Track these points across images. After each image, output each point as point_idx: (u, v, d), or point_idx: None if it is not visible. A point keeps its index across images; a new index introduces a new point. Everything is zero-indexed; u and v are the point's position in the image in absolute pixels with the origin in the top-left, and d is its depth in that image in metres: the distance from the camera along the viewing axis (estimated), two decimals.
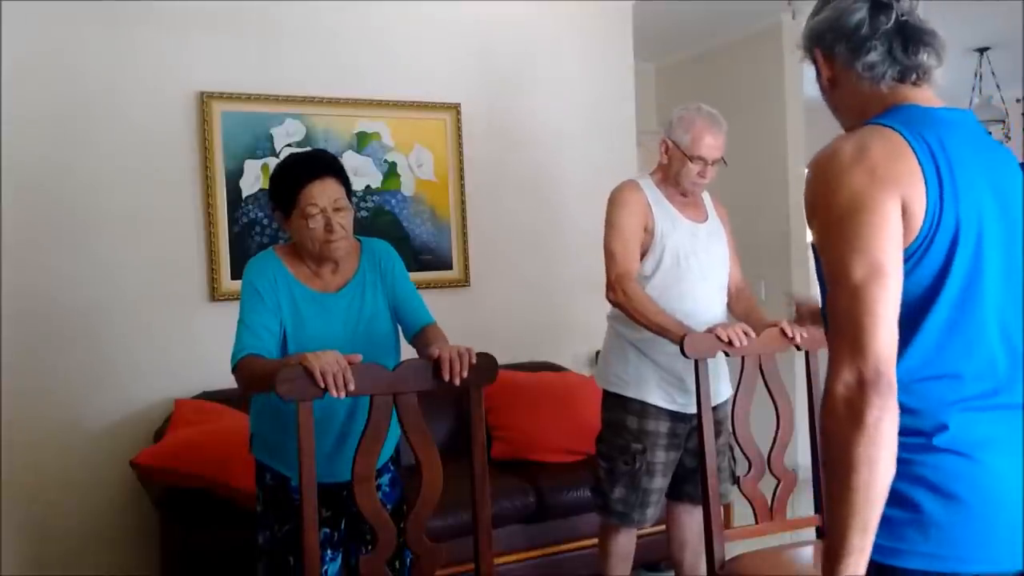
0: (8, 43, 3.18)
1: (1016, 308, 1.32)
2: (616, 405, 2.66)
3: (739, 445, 2.36)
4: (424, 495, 1.93)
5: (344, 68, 3.77)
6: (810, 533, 2.57)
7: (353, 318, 2.19)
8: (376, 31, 3.84)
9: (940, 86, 1.39)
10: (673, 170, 2.65)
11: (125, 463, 3.10)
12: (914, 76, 1.36)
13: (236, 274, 3.49)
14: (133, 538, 3.34)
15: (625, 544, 2.72)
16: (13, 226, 3.20)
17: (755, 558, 2.30)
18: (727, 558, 2.27)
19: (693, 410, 2.48)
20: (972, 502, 1.25)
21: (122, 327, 3.36)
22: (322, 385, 1.82)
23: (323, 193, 2.10)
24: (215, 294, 3.50)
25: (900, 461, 1.21)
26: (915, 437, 1.24)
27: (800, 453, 4.13)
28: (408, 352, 2.18)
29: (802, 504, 3.78)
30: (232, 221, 3.54)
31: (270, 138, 3.61)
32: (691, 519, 2.75)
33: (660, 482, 2.63)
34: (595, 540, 2.89)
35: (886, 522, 1.22)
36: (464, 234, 4.00)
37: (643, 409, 2.61)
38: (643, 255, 2.62)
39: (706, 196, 2.79)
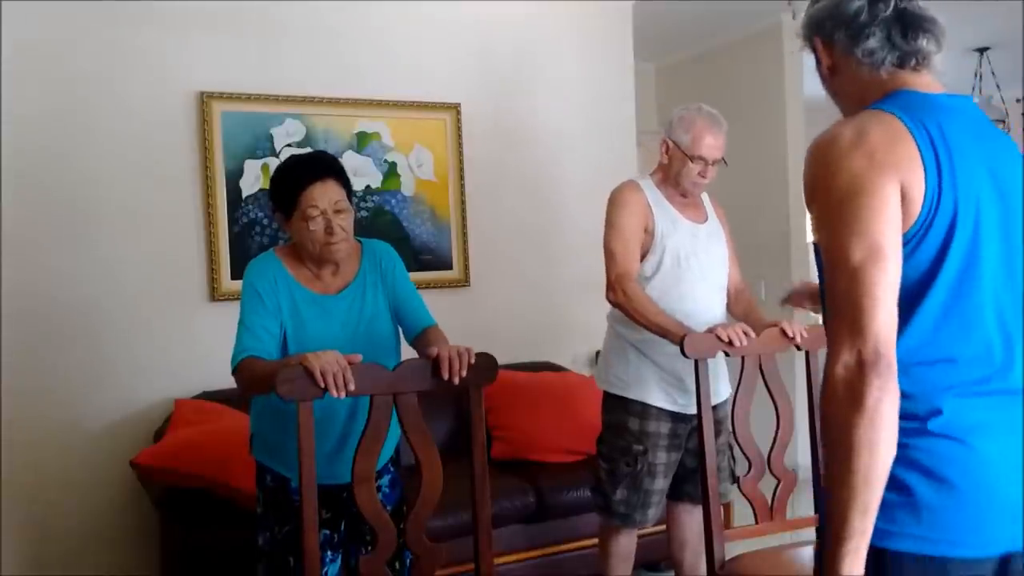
0: (8, 43, 3.19)
1: (1013, 294, 1.32)
2: (617, 406, 2.66)
3: (739, 445, 2.36)
4: (424, 495, 1.93)
5: (344, 68, 3.77)
6: (810, 533, 2.55)
7: (353, 320, 2.19)
8: (376, 31, 3.85)
9: (940, 72, 1.39)
10: (673, 170, 2.65)
11: (125, 463, 3.10)
12: (913, 62, 1.36)
13: (236, 274, 3.49)
14: (133, 538, 3.34)
15: (626, 545, 2.72)
16: (13, 225, 3.20)
17: (755, 558, 2.30)
18: (727, 558, 2.27)
19: (693, 410, 2.48)
20: (964, 487, 1.25)
21: (122, 327, 3.36)
22: (322, 385, 1.82)
23: (324, 195, 2.10)
24: (215, 294, 3.50)
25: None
26: (910, 421, 1.24)
27: (800, 453, 4.13)
28: (408, 354, 2.18)
29: (802, 504, 3.78)
30: (232, 221, 3.54)
31: (270, 138, 3.61)
32: (691, 519, 2.75)
33: (662, 483, 2.63)
34: (595, 540, 2.89)
35: (879, 504, 1.22)
36: (464, 234, 4.00)
37: (644, 410, 2.61)
38: (643, 256, 2.62)
39: (705, 197, 2.79)
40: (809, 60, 1.47)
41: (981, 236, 1.28)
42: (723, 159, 2.66)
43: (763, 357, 2.39)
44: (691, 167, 2.61)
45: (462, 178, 4.00)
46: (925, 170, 1.25)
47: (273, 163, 3.59)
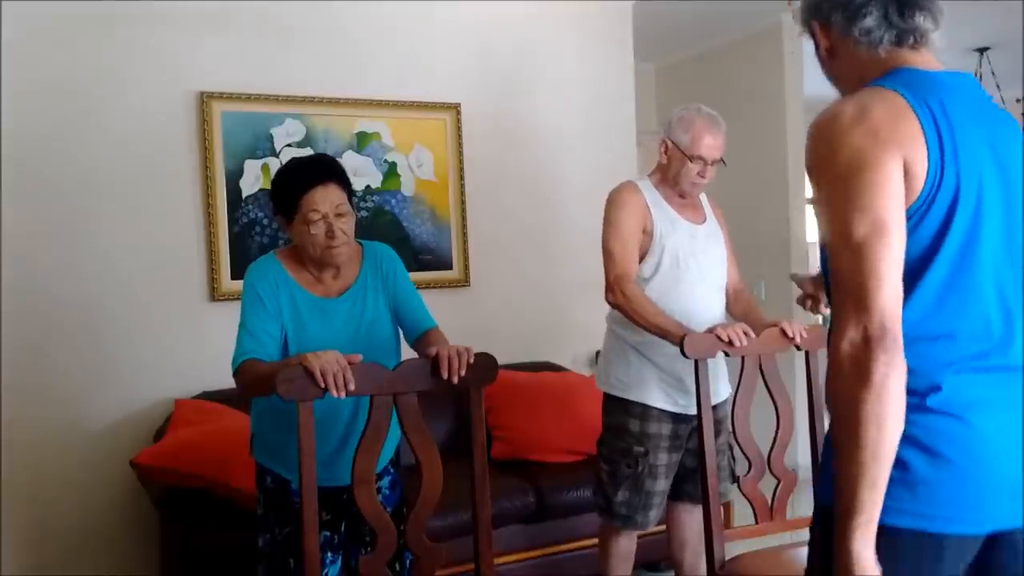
0: (8, 43, 3.18)
1: (1013, 270, 1.33)
2: (617, 408, 2.66)
3: (739, 445, 2.36)
4: (424, 495, 1.93)
5: (344, 68, 3.77)
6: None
7: (354, 323, 2.19)
8: (376, 31, 3.84)
9: (938, 49, 1.39)
10: (672, 170, 2.65)
11: (125, 463, 3.10)
12: (911, 39, 1.37)
13: (236, 274, 3.49)
14: (133, 538, 3.34)
15: (626, 545, 2.72)
16: (13, 225, 3.20)
17: (755, 558, 2.30)
18: (727, 558, 2.27)
19: (693, 411, 2.48)
20: (961, 464, 1.26)
21: (122, 327, 3.37)
22: (322, 385, 1.82)
23: (325, 199, 2.10)
24: (215, 294, 3.50)
25: None
26: (910, 397, 1.24)
27: (800, 453, 4.13)
28: (409, 356, 2.18)
29: (802, 504, 3.78)
30: (232, 221, 3.54)
31: (270, 138, 3.61)
32: (691, 519, 2.75)
33: (663, 484, 2.63)
34: (595, 540, 2.89)
35: None
36: (464, 234, 4.01)
37: (645, 412, 2.61)
38: (642, 257, 2.62)
39: (703, 197, 2.79)
40: (810, 58, 1.48)
41: (983, 212, 1.28)
42: (722, 159, 2.66)
43: (763, 357, 2.39)
44: (690, 167, 2.61)
45: (462, 178, 4.00)
46: (928, 146, 1.25)
47: (273, 163, 3.59)
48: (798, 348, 2.44)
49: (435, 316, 2.31)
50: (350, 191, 2.19)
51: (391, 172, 3.86)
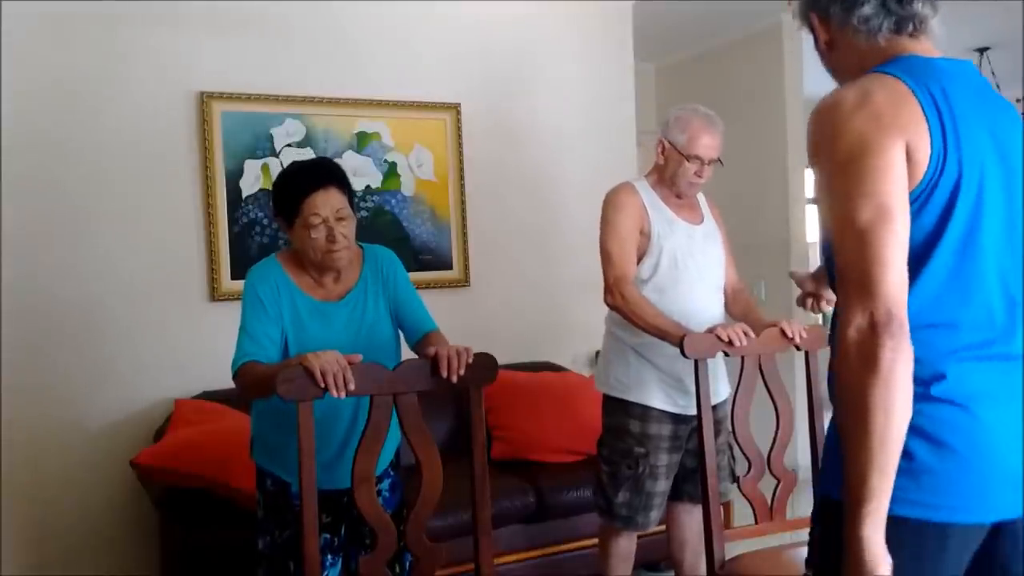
0: (8, 43, 3.19)
1: (1015, 258, 1.32)
2: (618, 409, 2.66)
3: (739, 445, 2.36)
4: (424, 495, 1.93)
5: (344, 68, 3.77)
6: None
7: (355, 326, 2.19)
8: (376, 31, 3.85)
9: (938, 36, 1.38)
10: (669, 171, 2.65)
11: (125, 463, 3.10)
12: (911, 27, 1.36)
13: (236, 274, 3.49)
14: (133, 538, 3.34)
15: (626, 546, 2.72)
16: (13, 225, 3.20)
17: (755, 558, 2.30)
18: (727, 558, 2.27)
19: (693, 411, 2.48)
20: (965, 453, 1.25)
21: (122, 327, 3.37)
22: (322, 385, 1.82)
23: (326, 203, 2.10)
24: (215, 294, 3.50)
25: None
26: (914, 386, 1.23)
27: (800, 453, 4.13)
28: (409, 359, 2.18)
29: (802, 504, 3.78)
30: (232, 221, 3.54)
31: (270, 138, 3.61)
32: (691, 519, 2.75)
33: (663, 485, 2.63)
34: (595, 540, 2.89)
35: None
36: (464, 234, 4.01)
37: (645, 413, 2.61)
38: (640, 258, 2.62)
39: (701, 197, 2.79)
40: (810, 58, 1.47)
41: (984, 198, 1.28)
42: (719, 159, 2.66)
43: (763, 357, 2.39)
44: (687, 167, 2.61)
45: (462, 178, 4.00)
46: (930, 131, 1.24)
47: (273, 163, 3.60)
48: (798, 348, 2.44)
49: (435, 316, 2.31)
50: (351, 195, 2.19)
51: (391, 172, 3.86)
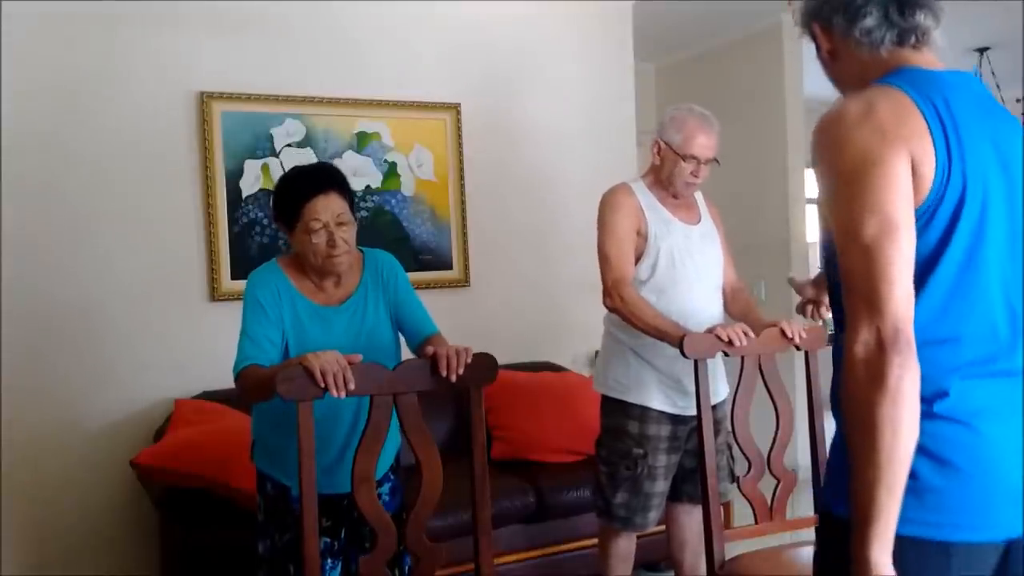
0: (8, 43, 3.19)
1: (1017, 270, 1.31)
2: (616, 410, 2.66)
3: (739, 445, 2.36)
4: (424, 495, 1.93)
5: (344, 68, 3.77)
6: (810, 533, 2.55)
7: (355, 331, 2.20)
8: (376, 31, 3.85)
9: (940, 47, 1.38)
10: (665, 171, 2.65)
11: (125, 463, 3.10)
12: (913, 38, 1.36)
13: (236, 274, 3.49)
14: (133, 538, 3.34)
15: (625, 547, 2.72)
16: (13, 225, 3.20)
17: (755, 558, 2.30)
18: (727, 558, 2.27)
19: (692, 412, 2.48)
20: (969, 471, 1.24)
21: (122, 327, 3.37)
22: (322, 385, 1.82)
23: (327, 208, 2.10)
24: (215, 294, 3.50)
25: None
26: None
27: (800, 453, 4.13)
28: None
29: (802, 504, 3.78)
30: (232, 221, 3.54)
31: (270, 138, 3.61)
32: (691, 519, 2.74)
33: (662, 485, 2.63)
34: (595, 540, 2.89)
35: None
36: (464, 234, 4.01)
37: (644, 414, 2.61)
38: (637, 259, 2.61)
39: (699, 197, 2.79)
40: (810, 58, 1.47)
41: (988, 212, 1.27)
42: (715, 159, 2.65)
43: (763, 357, 2.39)
44: (683, 167, 2.60)
45: (462, 178, 4.00)
46: (934, 145, 1.23)
47: (273, 163, 3.60)
48: (798, 348, 2.44)
49: (435, 316, 2.31)
50: (352, 200, 2.19)
51: (391, 172, 3.86)
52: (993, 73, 5.79)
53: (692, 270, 2.62)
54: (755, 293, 4.83)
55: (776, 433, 2.39)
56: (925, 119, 1.24)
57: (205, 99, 3.49)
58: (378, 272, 2.27)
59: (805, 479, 2.55)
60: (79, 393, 3.30)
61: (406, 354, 2.28)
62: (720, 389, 2.70)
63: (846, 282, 1.24)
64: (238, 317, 2.15)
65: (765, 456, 2.36)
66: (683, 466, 2.68)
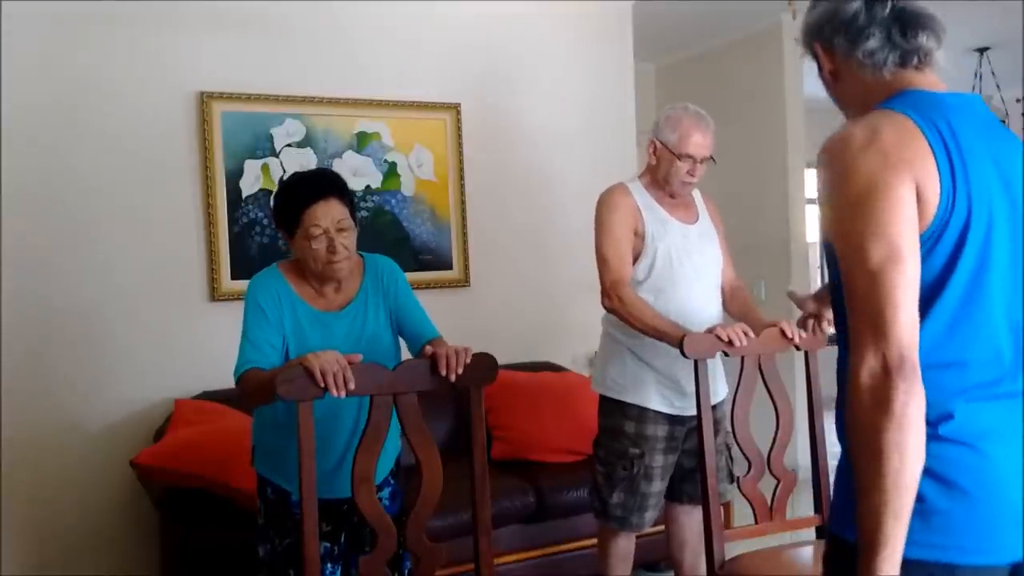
0: (8, 43, 3.18)
1: (1019, 293, 1.31)
2: (614, 410, 2.65)
3: (739, 445, 2.36)
4: (424, 495, 1.93)
5: (344, 68, 3.77)
6: (810, 533, 2.57)
7: (355, 336, 2.20)
8: (376, 31, 3.85)
9: (943, 68, 1.38)
10: (662, 171, 2.64)
11: (125, 463, 3.10)
12: (915, 60, 1.36)
13: (236, 274, 3.49)
14: (133, 538, 3.34)
15: (624, 546, 2.72)
16: (13, 226, 3.20)
17: (755, 558, 2.30)
18: (727, 558, 2.27)
19: (690, 412, 2.48)
20: (975, 493, 1.24)
21: (122, 327, 3.37)
22: (322, 384, 1.82)
23: (327, 214, 2.11)
24: (215, 294, 3.50)
25: None
26: None
27: (800, 453, 4.13)
28: None
29: (802, 504, 3.78)
30: (232, 221, 3.54)
31: (270, 138, 3.61)
32: (690, 519, 2.74)
33: (658, 486, 2.63)
34: (595, 540, 2.89)
35: None
36: (464, 234, 4.01)
37: (641, 414, 2.60)
38: (635, 259, 2.61)
39: (697, 196, 2.78)
40: (811, 62, 1.46)
41: (992, 235, 1.27)
42: (711, 157, 2.65)
43: (763, 357, 2.39)
44: (679, 166, 2.60)
45: (462, 178, 4.00)
46: (939, 170, 1.23)
47: (273, 163, 3.60)
48: (798, 348, 2.44)
49: (435, 316, 2.31)
50: (352, 206, 2.20)
51: (391, 172, 3.86)
52: (993, 73, 5.79)
53: (690, 269, 2.62)
54: (755, 293, 4.83)
55: (776, 433, 2.39)
56: (929, 144, 1.24)
57: (205, 99, 3.49)
58: (378, 277, 2.27)
59: (805, 479, 2.55)
60: (79, 393, 3.30)
61: (406, 358, 2.28)
62: (719, 389, 2.70)
63: (851, 307, 1.25)
64: (238, 317, 2.15)
65: (765, 456, 2.36)
66: (682, 466, 2.68)
